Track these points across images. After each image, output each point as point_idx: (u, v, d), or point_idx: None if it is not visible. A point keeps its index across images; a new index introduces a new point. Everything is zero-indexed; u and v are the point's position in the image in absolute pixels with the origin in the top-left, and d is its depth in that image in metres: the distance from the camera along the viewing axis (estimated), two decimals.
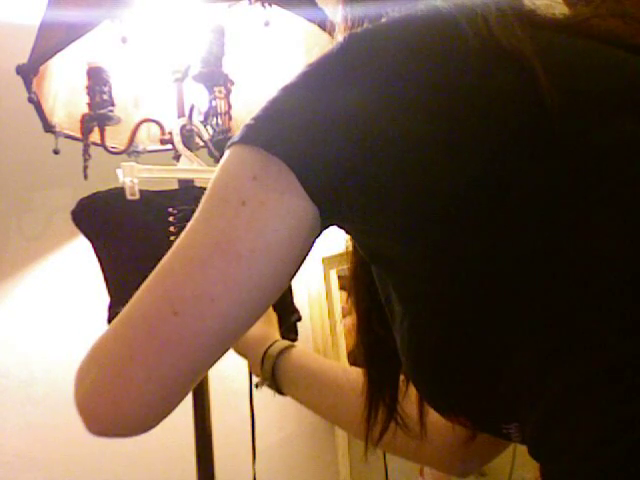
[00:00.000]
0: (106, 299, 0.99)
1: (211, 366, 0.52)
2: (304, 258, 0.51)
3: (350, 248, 0.64)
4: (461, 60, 0.47)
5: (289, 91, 0.50)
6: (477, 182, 0.45)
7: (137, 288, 0.92)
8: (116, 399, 0.49)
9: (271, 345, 0.88)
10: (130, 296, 0.96)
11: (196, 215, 0.51)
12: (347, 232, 0.54)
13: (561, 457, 0.43)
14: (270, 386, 0.88)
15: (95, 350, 0.53)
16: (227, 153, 0.51)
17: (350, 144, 0.46)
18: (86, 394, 0.51)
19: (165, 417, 0.52)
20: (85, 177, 1.02)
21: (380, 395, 0.64)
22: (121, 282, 0.96)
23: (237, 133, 0.51)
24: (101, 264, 0.97)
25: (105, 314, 0.99)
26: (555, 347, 0.43)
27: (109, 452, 1.41)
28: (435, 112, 0.46)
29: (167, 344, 0.48)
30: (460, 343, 0.48)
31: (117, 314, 0.92)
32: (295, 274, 0.52)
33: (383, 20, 0.51)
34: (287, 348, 0.88)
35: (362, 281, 0.62)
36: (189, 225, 0.51)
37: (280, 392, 0.88)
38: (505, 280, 0.45)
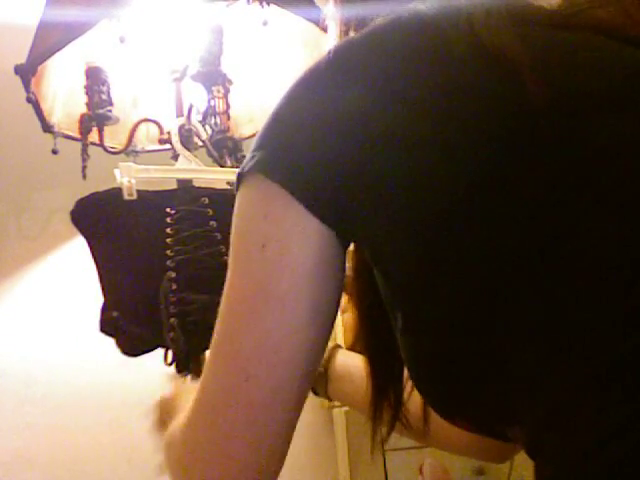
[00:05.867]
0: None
1: (302, 406, 0.52)
2: (342, 274, 0.51)
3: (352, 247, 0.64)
4: (449, 64, 0.47)
5: (284, 108, 0.50)
6: (473, 183, 0.45)
7: (131, 291, 0.91)
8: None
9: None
10: (125, 299, 0.95)
11: (229, 269, 0.51)
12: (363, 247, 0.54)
13: (558, 458, 0.42)
14: (319, 390, 0.88)
15: (185, 444, 0.53)
16: (237, 195, 0.52)
17: (345, 151, 0.47)
18: None
19: (281, 467, 0.52)
20: (84, 177, 1.02)
21: (385, 395, 0.63)
22: (116, 284, 0.96)
23: (245, 162, 0.51)
24: (97, 265, 0.96)
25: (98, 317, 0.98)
26: (553, 349, 0.43)
27: (108, 452, 1.41)
28: (429, 114, 0.46)
29: (256, 410, 0.48)
30: (456, 346, 0.48)
31: (110, 318, 0.92)
32: (342, 290, 0.52)
33: (368, 28, 0.51)
34: (335, 348, 0.89)
35: (364, 280, 0.62)
36: (227, 282, 0.51)
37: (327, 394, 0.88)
38: (502, 282, 0.45)
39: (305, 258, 0.48)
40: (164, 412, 0.79)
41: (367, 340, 0.64)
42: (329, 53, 0.50)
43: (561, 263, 0.43)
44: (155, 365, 0.97)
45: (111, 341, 0.96)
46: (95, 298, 0.99)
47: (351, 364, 0.86)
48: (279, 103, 0.51)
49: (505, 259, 0.44)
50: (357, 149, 0.46)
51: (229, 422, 0.49)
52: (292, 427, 0.51)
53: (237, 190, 0.52)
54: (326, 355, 0.87)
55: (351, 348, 1.53)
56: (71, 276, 1.44)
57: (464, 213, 0.45)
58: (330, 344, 0.89)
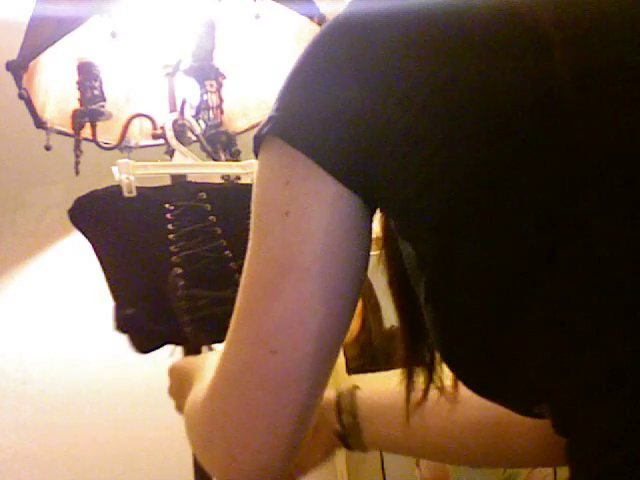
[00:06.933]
0: (102, 296, 0.98)
1: (328, 380, 0.51)
2: (369, 243, 0.50)
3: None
4: (463, 51, 0.45)
5: (302, 71, 0.49)
6: (475, 182, 0.44)
7: (142, 288, 0.91)
8: (257, 456, 0.49)
9: (339, 395, 0.77)
10: (137, 296, 0.94)
11: (250, 241, 0.50)
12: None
13: (582, 448, 0.42)
14: (353, 442, 0.78)
15: (208, 416, 0.52)
16: (258, 161, 0.50)
17: (360, 134, 0.46)
18: (224, 464, 0.51)
19: (303, 443, 0.51)
20: (77, 173, 1.02)
21: (417, 353, 0.60)
22: (124, 282, 0.95)
23: (262, 127, 0.49)
24: (102, 264, 0.96)
25: (111, 315, 0.96)
26: (562, 348, 0.43)
27: (105, 450, 1.41)
28: (433, 110, 0.44)
29: (280, 384, 0.48)
30: (475, 320, 0.47)
31: (124, 315, 0.92)
32: (367, 261, 0.50)
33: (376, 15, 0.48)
34: (353, 390, 0.78)
35: (392, 242, 0.58)
36: (249, 252, 0.50)
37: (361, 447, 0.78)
38: (518, 267, 0.44)
39: (330, 226, 0.47)
40: (179, 379, 0.78)
41: (398, 302, 0.60)
42: (336, 28, 0.48)
43: (567, 262, 0.42)
44: (153, 363, 0.97)
45: (108, 339, 0.95)
46: (91, 295, 0.99)
47: (382, 399, 0.77)
48: (296, 65, 0.49)
49: (508, 258, 0.43)
50: (367, 139, 0.46)
51: (254, 396, 0.48)
52: (317, 402, 0.50)
53: (256, 154, 0.51)
54: (347, 401, 0.78)
55: (355, 338, 1.53)
56: (66, 273, 1.44)
57: (464, 212, 0.44)
58: (347, 387, 0.80)
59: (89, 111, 1.01)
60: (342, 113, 0.46)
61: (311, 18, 1.02)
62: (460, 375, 0.51)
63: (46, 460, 1.40)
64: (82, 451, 1.40)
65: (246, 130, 1.19)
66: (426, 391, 0.60)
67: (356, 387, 0.80)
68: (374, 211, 0.50)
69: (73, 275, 1.42)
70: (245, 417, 0.49)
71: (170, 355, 0.95)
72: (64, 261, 1.44)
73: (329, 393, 0.80)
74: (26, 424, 1.40)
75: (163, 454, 1.41)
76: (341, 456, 1.47)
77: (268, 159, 0.50)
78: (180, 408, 0.79)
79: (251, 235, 0.50)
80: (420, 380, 0.61)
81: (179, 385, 0.78)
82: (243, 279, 0.50)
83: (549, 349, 0.43)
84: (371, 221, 0.50)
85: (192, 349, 0.94)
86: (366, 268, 0.50)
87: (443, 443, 0.75)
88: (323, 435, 0.78)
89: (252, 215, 0.50)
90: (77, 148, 1.03)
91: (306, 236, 0.47)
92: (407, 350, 0.60)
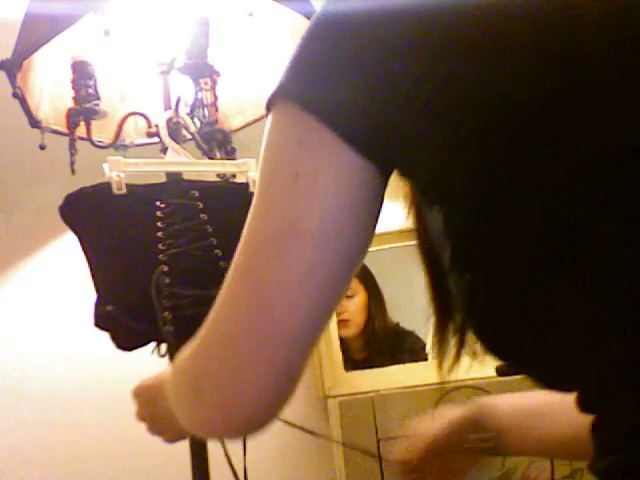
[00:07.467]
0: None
1: (320, 338, 0.52)
2: (378, 213, 0.50)
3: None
4: (463, 47, 0.44)
5: (315, 37, 0.49)
6: (473, 183, 0.44)
7: (125, 285, 0.90)
8: (245, 402, 0.49)
9: (478, 419, 0.81)
10: (119, 293, 0.94)
11: (255, 199, 0.49)
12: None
13: (597, 434, 0.43)
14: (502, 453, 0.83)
15: (198, 363, 0.52)
16: (269, 119, 0.50)
17: (370, 124, 0.46)
18: (213, 410, 0.51)
19: (290, 399, 0.52)
20: (72, 172, 1.02)
21: (448, 317, 0.58)
22: (109, 279, 0.95)
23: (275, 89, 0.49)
24: (88, 260, 0.96)
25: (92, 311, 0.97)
26: (582, 341, 0.43)
27: (104, 448, 1.41)
28: (433, 109, 0.44)
29: (272, 339, 0.48)
30: (488, 313, 0.47)
31: (105, 312, 0.92)
32: (373, 232, 0.50)
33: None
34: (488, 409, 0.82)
35: (420, 208, 0.57)
36: (253, 211, 0.49)
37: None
38: (510, 280, 0.44)
39: (340, 193, 0.46)
40: (146, 399, 0.78)
41: (426, 265, 0.59)
42: (334, 24, 0.48)
43: (577, 256, 0.42)
44: (151, 360, 0.97)
45: (106, 336, 0.95)
46: (88, 294, 0.98)
47: (517, 411, 0.80)
48: (310, 28, 0.49)
49: (523, 246, 0.43)
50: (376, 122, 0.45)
51: (246, 347, 0.48)
52: (307, 359, 0.51)
53: (267, 115, 0.50)
54: (489, 424, 0.80)
55: (362, 330, 1.53)
56: (62, 272, 1.44)
57: (465, 209, 0.45)
58: (482, 407, 0.83)
59: (83, 110, 1.01)
60: (352, 104, 0.46)
61: (306, 16, 1.02)
62: (485, 344, 0.51)
63: (45, 459, 1.40)
64: (81, 450, 1.40)
65: (241, 128, 1.19)
66: (458, 354, 0.59)
67: (490, 405, 0.81)
68: (389, 176, 0.49)
69: (70, 274, 1.42)
70: (236, 364, 0.49)
71: (152, 353, 0.95)
72: (61, 260, 1.44)
73: (456, 410, 0.83)
74: (24, 423, 1.40)
75: (161, 453, 1.41)
76: (339, 452, 1.48)
77: (281, 120, 0.49)
78: (152, 429, 0.79)
79: (257, 194, 0.49)
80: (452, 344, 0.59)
81: (147, 405, 0.77)
82: (245, 236, 0.49)
83: (566, 339, 0.44)
84: (384, 187, 0.49)
85: (175, 348, 0.94)
86: (372, 236, 0.50)
87: (572, 445, 0.76)
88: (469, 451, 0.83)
89: (259, 174, 0.49)
90: (72, 147, 1.02)
91: (315, 201, 0.46)
92: (437, 314, 0.59)
